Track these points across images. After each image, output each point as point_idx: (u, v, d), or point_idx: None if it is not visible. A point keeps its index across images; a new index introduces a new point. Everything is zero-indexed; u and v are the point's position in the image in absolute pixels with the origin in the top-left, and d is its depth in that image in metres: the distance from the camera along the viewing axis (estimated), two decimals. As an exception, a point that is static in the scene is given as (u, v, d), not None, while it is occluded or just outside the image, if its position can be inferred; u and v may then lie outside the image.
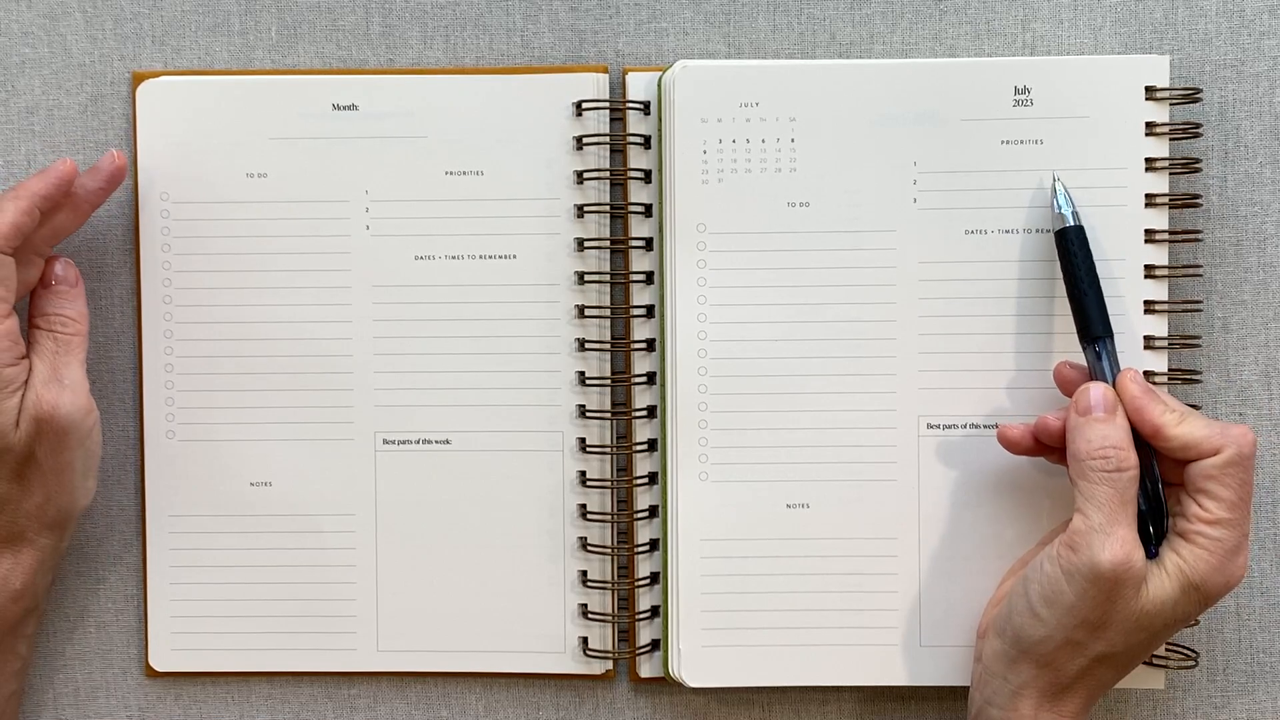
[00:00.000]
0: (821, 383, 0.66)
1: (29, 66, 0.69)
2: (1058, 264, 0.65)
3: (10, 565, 0.63)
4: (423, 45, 0.68)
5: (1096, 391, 0.60)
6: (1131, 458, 0.59)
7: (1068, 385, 0.63)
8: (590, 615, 0.67)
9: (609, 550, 0.67)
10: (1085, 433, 0.60)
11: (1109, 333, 0.62)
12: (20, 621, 0.65)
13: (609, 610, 0.67)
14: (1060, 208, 0.63)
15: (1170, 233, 0.65)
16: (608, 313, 0.67)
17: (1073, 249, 0.63)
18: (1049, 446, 0.63)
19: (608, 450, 0.67)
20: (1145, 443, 0.60)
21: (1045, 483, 0.66)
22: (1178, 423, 0.59)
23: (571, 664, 0.68)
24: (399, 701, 0.69)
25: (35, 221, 0.63)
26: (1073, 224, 0.63)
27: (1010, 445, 0.63)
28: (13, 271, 0.62)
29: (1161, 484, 0.61)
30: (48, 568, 0.65)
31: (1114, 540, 0.58)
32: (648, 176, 0.67)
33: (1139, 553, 0.58)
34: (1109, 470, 0.58)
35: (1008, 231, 0.65)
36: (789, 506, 0.66)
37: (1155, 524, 0.60)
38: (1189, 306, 0.66)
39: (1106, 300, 0.63)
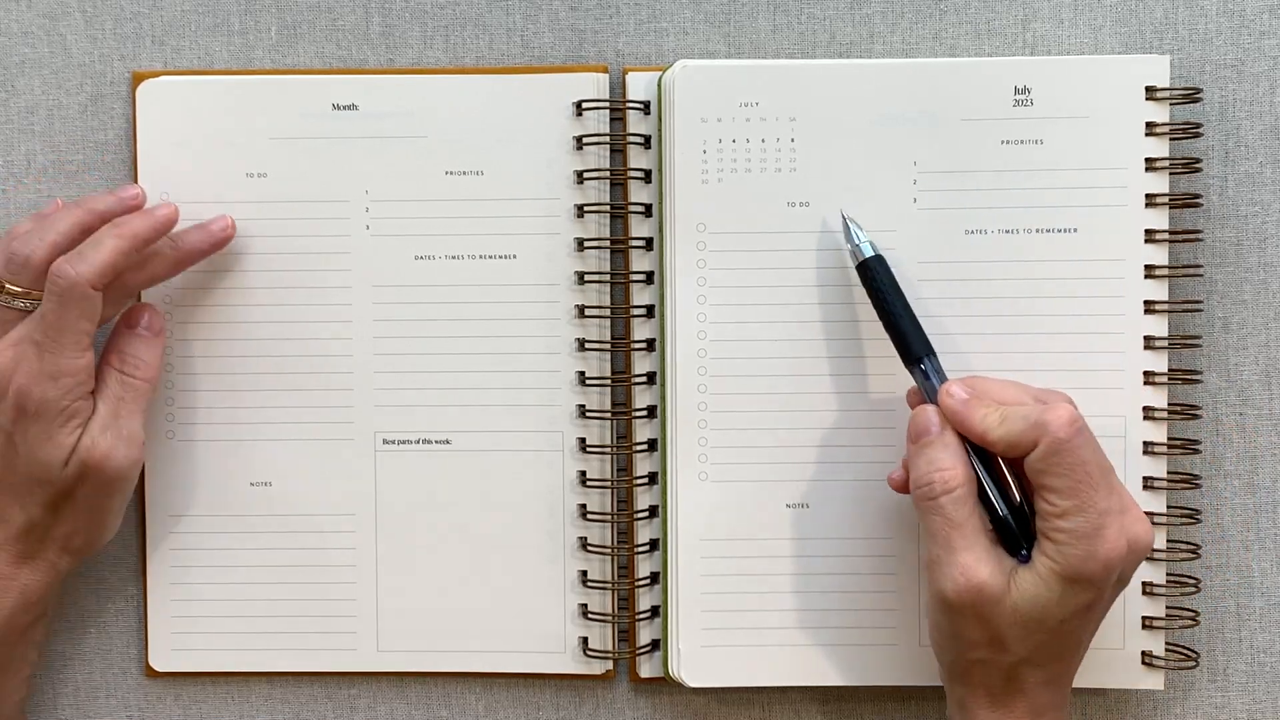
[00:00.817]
0: (821, 383, 0.66)
1: (29, 66, 0.69)
2: (1058, 264, 0.65)
3: (30, 578, 0.63)
4: (423, 45, 0.68)
5: (921, 416, 0.60)
6: (957, 477, 0.58)
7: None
8: (590, 615, 0.67)
9: (609, 550, 0.67)
10: (914, 461, 0.59)
11: (930, 351, 0.61)
12: (31, 627, 0.65)
13: (609, 610, 0.67)
14: (855, 240, 0.63)
15: (1170, 233, 0.65)
16: (608, 313, 0.67)
17: (877, 278, 0.62)
18: None
19: (608, 450, 0.67)
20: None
21: (1045, 483, 0.66)
22: (999, 423, 0.58)
23: (571, 664, 0.68)
24: (399, 701, 0.69)
25: (130, 262, 0.62)
26: (871, 254, 0.63)
27: (896, 488, 0.62)
28: (99, 308, 0.61)
29: (1021, 484, 0.59)
30: (61, 580, 0.65)
31: (954, 569, 0.57)
32: (648, 176, 0.67)
33: (983, 571, 0.57)
34: (931, 498, 0.58)
35: (1008, 231, 0.65)
36: (789, 506, 0.66)
37: (1021, 528, 0.59)
38: (1189, 306, 0.66)
39: (1108, 301, 0.63)
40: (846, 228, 0.64)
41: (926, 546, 0.59)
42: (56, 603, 0.66)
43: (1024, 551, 0.58)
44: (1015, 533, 0.59)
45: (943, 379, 0.61)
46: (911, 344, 0.62)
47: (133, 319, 0.65)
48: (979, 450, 0.59)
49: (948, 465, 0.58)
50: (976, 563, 0.57)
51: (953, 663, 0.60)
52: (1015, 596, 0.57)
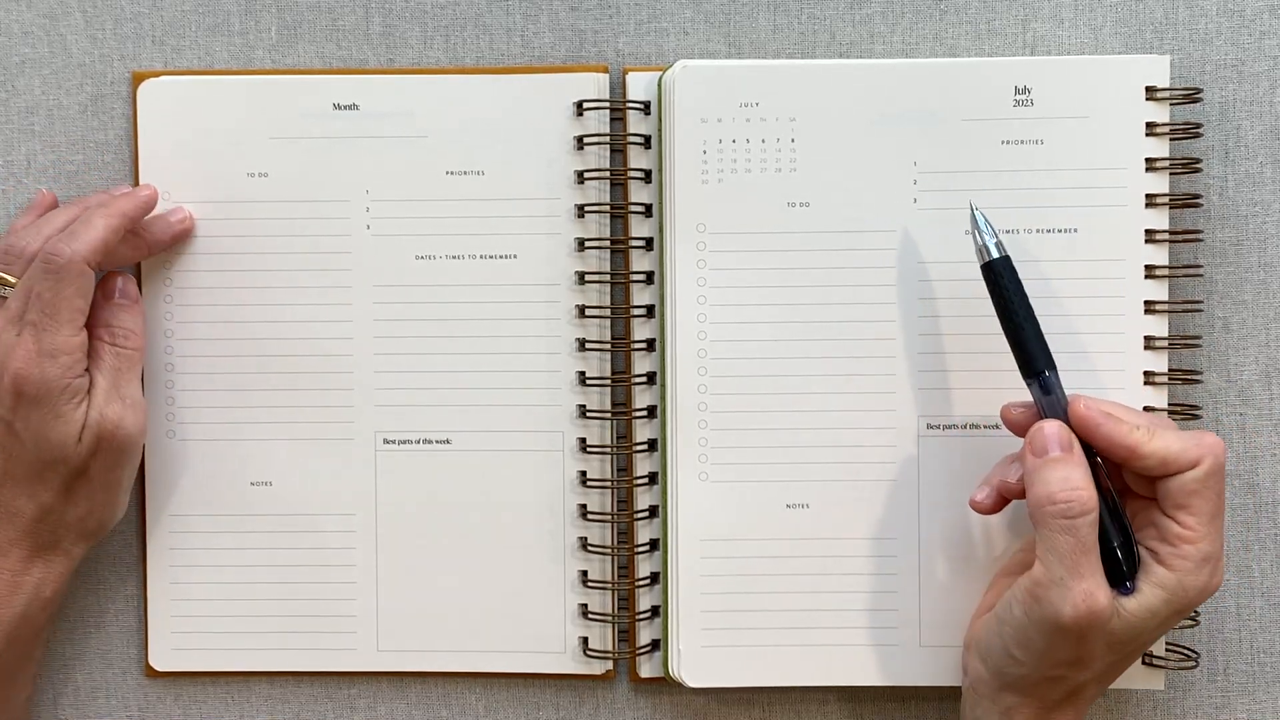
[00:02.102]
0: (821, 383, 0.66)
1: (29, 66, 0.69)
2: (1058, 264, 0.65)
3: (43, 573, 0.63)
4: (423, 45, 0.68)
5: (1050, 429, 0.58)
6: (1092, 499, 0.56)
7: (1017, 428, 0.61)
8: (590, 615, 0.67)
9: (609, 550, 0.67)
10: (1043, 476, 0.57)
11: (1052, 365, 0.60)
12: (46, 624, 0.65)
13: (609, 610, 0.67)
14: (983, 240, 0.61)
15: (1170, 233, 0.65)
16: (608, 313, 0.67)
17: (1003, 283, 0.60)
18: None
19: (608, 450, 0.67)
20: (1100, 471, 0.58)
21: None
22: (1149, 439, 0.57)
23: (571, 664, 0.68)
24: (399, 701, 0.69)
25: (119, 240, 0.63)
26: (998, 256, 0.60)
27: (984, 512, 0.62)
28: (93, 285, 0.62)
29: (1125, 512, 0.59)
30: (74, 571, 0.65)
31: (1076, 594, 0.56)
32: (648, 176, 0.67)
33: (1103, 597, 0.56)
34: (1069, 518, 0.56)
35: (1008, 231, 0.65)
36: (789, 506, 0.66)
37: (1127, 558, 0.58)
38: (1189, 306, 0.66)
39: (1108, 302, 0.63)
40: (975, 222, 0.61)
41: (1042, 565, 0.57)
42: (64, 598, 0.66)
43: (1128, 584, 0.58)
44: (1124, 563, 0.58)
45: (1063, 395, 0.59)
46: (1035, 356, 0.60)
47: (109, 288, 0.65)
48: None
49: (1082, 485, 0.56)
50: (1098, 589, 0.56)
51: (1022, 676, 0.59)
52: (1117, 623, 0.57)
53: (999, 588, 0.63)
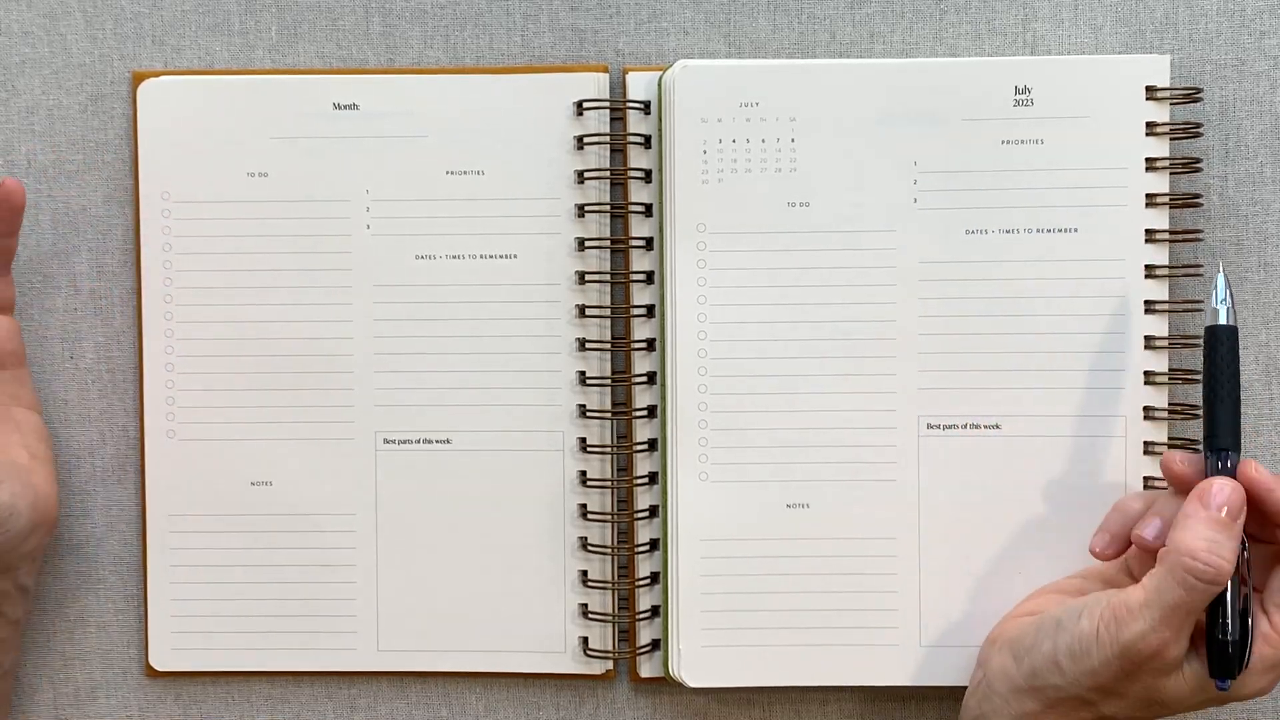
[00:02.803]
0: (821, 383, 0.66)
1: (29, 66, 0.69)
2: (1058, 264, 0.65)
3: None
4: (423, 45, 0.68)
5: (1229, 490, 0.56)
6: (1225, 575, 0.55)
7: (1178, 481, 0.60)
8: (590, 615, 0.67)
9: (609, 550, 0.67)
10: (1199, 529, 0.56)
11: (1237, 448, 0.58)
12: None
13: (609, 610, 0.67)
14: (1217, 302, 0.59)
15: (1170, 233, 0.65)
16: (608, 312, 0.67)
17: (1221, 351, 0.59)
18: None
19: (608, 450, 0.67)
20: (1245, 562, 0.57)
21: (1045, 483, 0.66)
22: None
23: (571, 664, 0.68)
24: (399, 701, 0.69)
25: None
26: (1225, 324, 0.59)
27: (1108, 559, 0.61)
28: None
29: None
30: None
31: (1155, 637, 0.55)
32: (648, 176, 0.67)
33: (1175, 654, 0.56)
34: (1203, 580, 0.55)
35: (1008, 231, 0.65)
36: (789, 506, 0.66)
37: (1236, 659, 0.56)
38: (1189, 306, 0.66)
39: (1108, 301, 0.63)
40: (1216, 286, 0.60)
41: (1143, 593, 0.56)
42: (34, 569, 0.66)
43: (1222, 683, 0.57)
44: (1233, 663, 0.56)
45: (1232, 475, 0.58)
46: (1224, 433, 0.58)
47: None
48: None
49: (1229, 556, 0.55)
50: (1175, 645, 0.56)
51: (1056, 686, 0.58)
52: (1172, 682, 0.56)
53: (1044, 600, 0.63)
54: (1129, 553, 0.61)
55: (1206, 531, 0.56)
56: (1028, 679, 0.59)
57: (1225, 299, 0.59)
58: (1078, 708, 0.58)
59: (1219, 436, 0.59)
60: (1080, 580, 0.64)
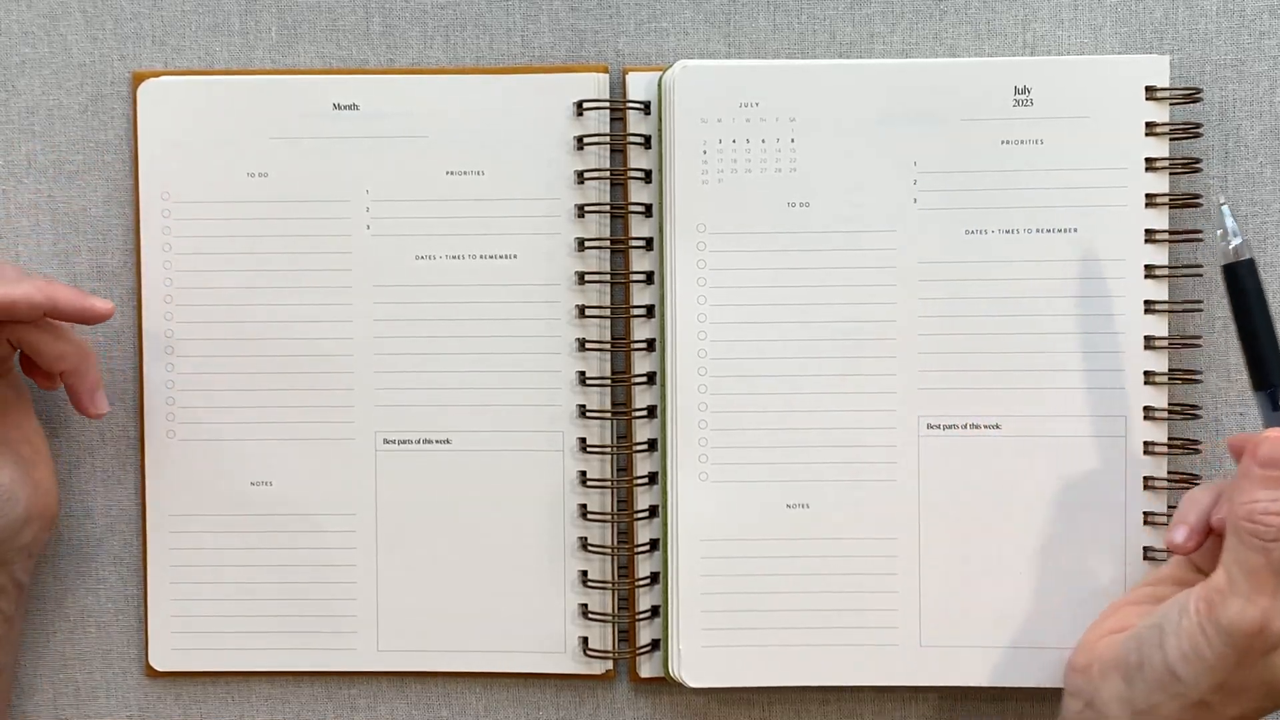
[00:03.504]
0: (821, 383, 0.66)
1: (29, 66, 0.69)
2: (1058, 264, 0.65)
3: None
4: (423, 45, 0.68)
5: (1270, 445, 0.55)
6: None
7: (1241, 454, 0.57)
8: (590, 615, 0.67)
9: (609, 550, 0.67)
10: (1254, 490, 0.55)
11: None
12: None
13: (609, 610, 0.67)
14: (1230, 239, 0.58)
15: (1170, 233, 0.65)
16: (608, 313, 0.67)
17: (1245, 286, 0.57)
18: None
19: (608, 450, 0.67)
20: None
21: (1045, 483, 0.66)
22: None
23: (571, 664, 0.68)
24: (399, 701, 0.69)
25: (30, 313, 0.60)
26: (1243, 258, 0.58)
27: (1188, 552, 0.59)
28: None
29: None
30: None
31: (1254, 607, 0.54)
32: (648, 176, 0.67)
33: (1278, 622, 0.54)
34: (1269, 539, 0.54)
35: (1008, 231, 0.65)
36: (789, 506, 0.66)
37: None
38: (1189, 306, 0.66)
39: (1108, 301, 0.63)
40: (1223, 221, 0.58)
41: (1225, 573, 0.55)
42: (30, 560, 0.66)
43: None
44: None
45: None
46: (1270, 367, 0.57)
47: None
48: None
49: None
50: (1275, 612, 0.54)
51: (1177, 695, 0.56)
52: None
53: (1124, 614, 0.61)
54: (1194, 553, 0.60)
55: (1259, 491, 0.55)
56: (1150, 694, 0.57)
57: (1237, 234, 0.58)
58: (1198, 715, 0.56)
59: (1269, 372, 0.57)
60: (1150, 588, 0.62)
